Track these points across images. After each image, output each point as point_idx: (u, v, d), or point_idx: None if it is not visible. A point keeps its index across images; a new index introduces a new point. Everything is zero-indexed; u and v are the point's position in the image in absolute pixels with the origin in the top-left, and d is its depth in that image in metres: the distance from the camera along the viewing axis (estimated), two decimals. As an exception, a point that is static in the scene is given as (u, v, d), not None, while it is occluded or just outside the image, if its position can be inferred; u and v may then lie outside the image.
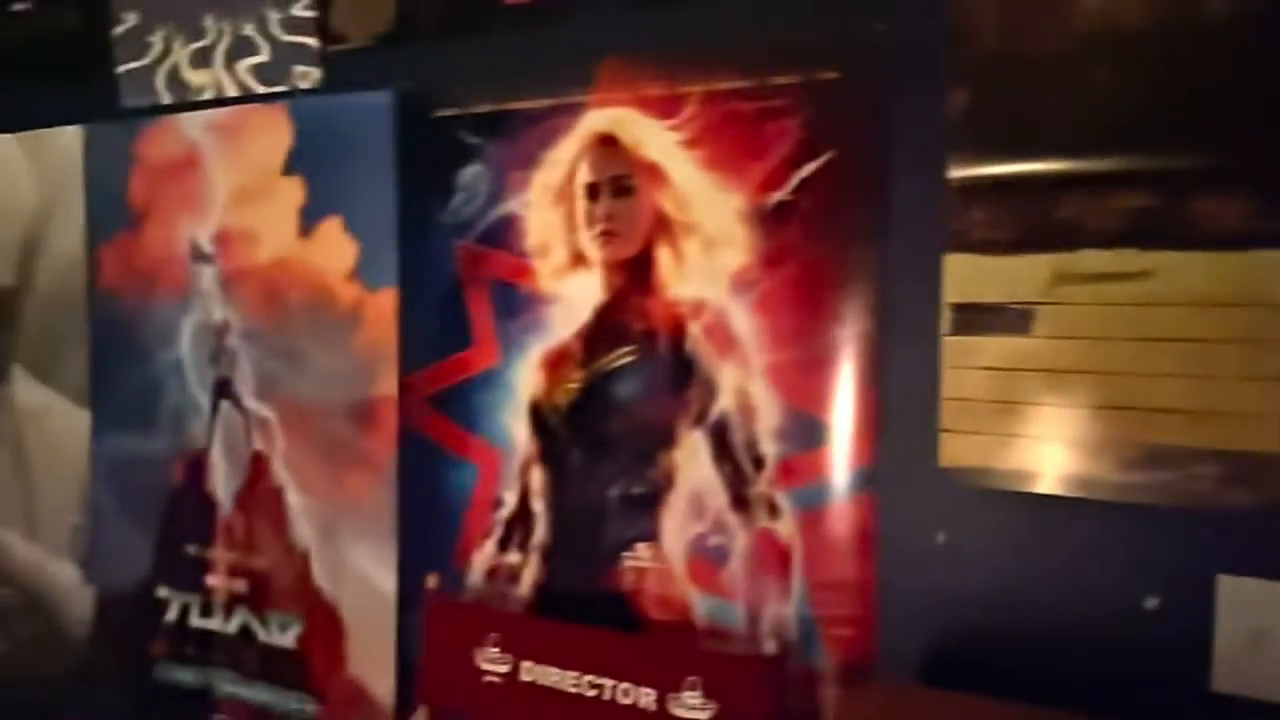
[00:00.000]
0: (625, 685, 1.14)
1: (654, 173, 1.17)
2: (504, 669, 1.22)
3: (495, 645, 1.23)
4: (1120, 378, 0.92)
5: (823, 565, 1.08)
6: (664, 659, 1.12)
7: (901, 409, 1.04)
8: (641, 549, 1.19)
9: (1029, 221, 0.96)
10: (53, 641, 1.72)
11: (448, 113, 1.31)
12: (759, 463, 1.11)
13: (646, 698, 1.12)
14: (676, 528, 1.16)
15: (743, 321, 1.12)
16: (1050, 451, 0.96)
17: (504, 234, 1.28)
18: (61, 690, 1.70)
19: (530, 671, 1.20)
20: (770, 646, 1.08)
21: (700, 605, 1.15)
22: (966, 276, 0.99)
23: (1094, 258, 0.93)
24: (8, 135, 1.72)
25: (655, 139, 1.16)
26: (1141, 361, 0.91)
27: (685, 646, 1.13)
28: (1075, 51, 0.95)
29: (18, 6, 1.71)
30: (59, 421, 1.71)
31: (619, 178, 1.19)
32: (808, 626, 1.09)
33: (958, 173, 1.00)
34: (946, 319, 1.00)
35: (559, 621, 1.21)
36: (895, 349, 1.05)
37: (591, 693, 1.16)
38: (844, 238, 1.07)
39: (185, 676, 1.55)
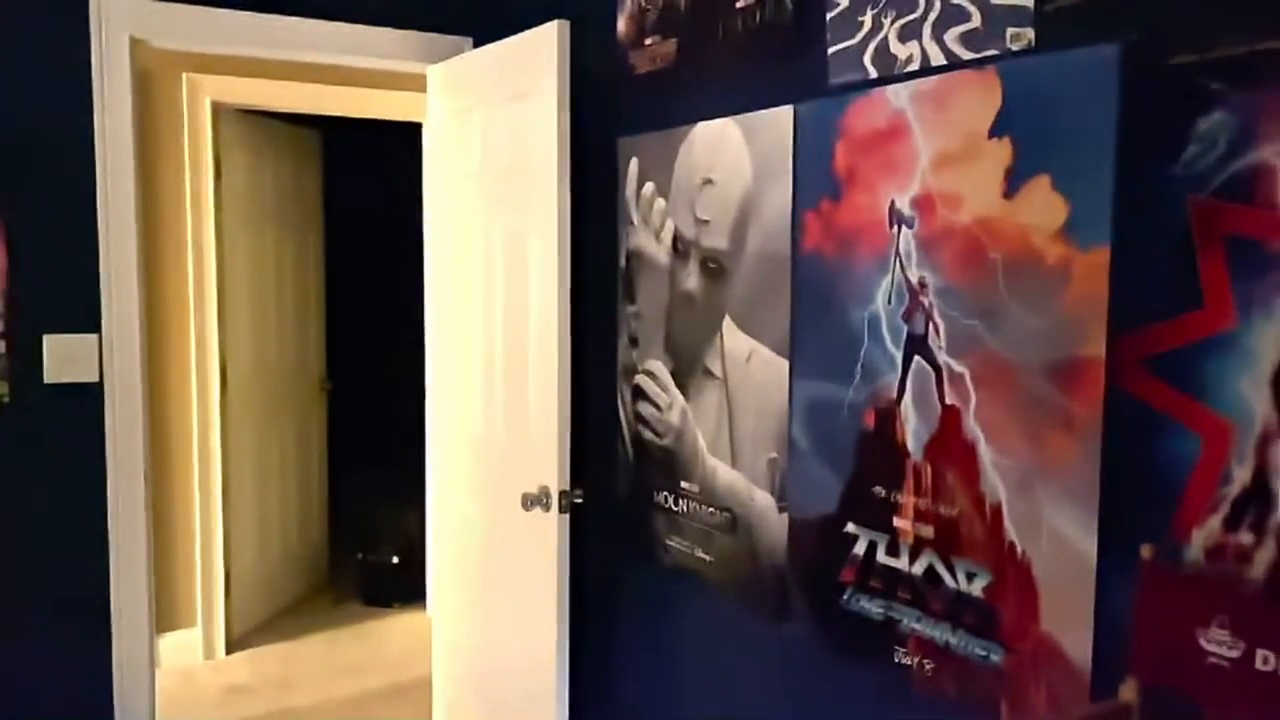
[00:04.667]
0: (1405, 698, 1.00)
1: None
2: (1235, 654, 1.14)
3: (1224, 627, 1.15)
4: None
5: None
6: None
7: None
8: None
9: None
10: (750, 559, 2.00)
11: (1185, 60, 1.23)
12: None
13: None
14: None
15: None
16: None
17: (1250, 186, 1.17)
18: (759, 600, 1.97)
19: (1268, 661, 1.11)
20: None
21: None
22: None
23: None
24: (730, 118, 1.99)
25: None
26: None
27: None
28: None
29: (741, 3, 1.97)
30: (760, 367, 1.96)
31: None
32: None
33: None
34: None
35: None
36: None
37: (1354, 698, 1.04)
38: None
39: (871, 607, 1.70)
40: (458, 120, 2.77)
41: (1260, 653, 1.12)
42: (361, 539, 4.58)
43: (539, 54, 2.31)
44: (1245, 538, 1.17)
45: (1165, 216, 1.26)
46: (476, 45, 2.95)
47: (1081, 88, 1.34)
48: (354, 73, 3.82)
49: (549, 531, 2.34)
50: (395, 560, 4.45)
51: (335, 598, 4.60)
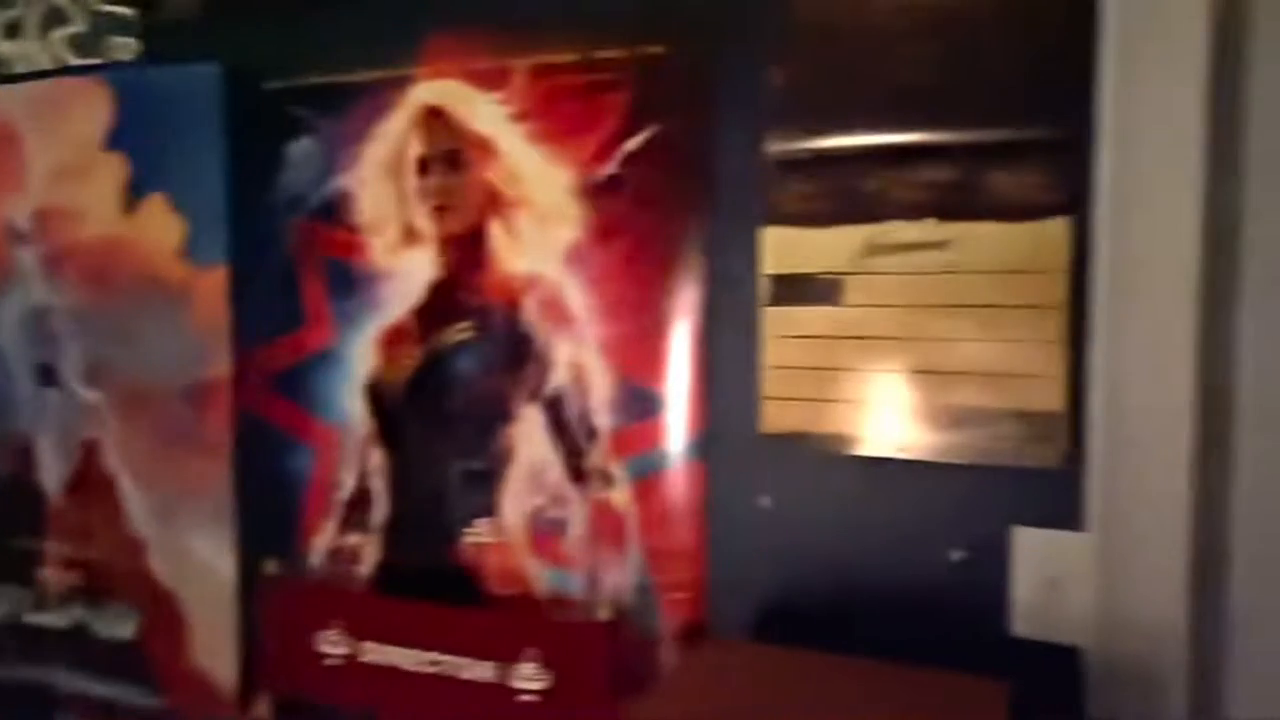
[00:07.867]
0: (465, 660, 1.14)
1: (484, 146, 1.16)
2: (345, 651, 1.21)
3: (336, 628, 1.22)
4: (926, 343, 0.97)
5: (657, 532, 1.10)
6: (503, 632, 1.13)
7: (728, 379, 1.07)
8: (482, 524, 1.19)
9: (840, 195, 0.99)
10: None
11: (278, 85, 1.28)
12: (593, 435, 1.13)
13: (486, 672, 1.13)
14: (516, 502, 1.17)
15: (576, 295, 1.12)
16: (865, 415, 1.00)
17: (337, 210, 1.25)
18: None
19: (372, 652, 1.20)
20: (603, 613, 1.10)
21: (541, 577, 1.16)
22: (783, 249, 1.02)
23: (899, 229, 0.97)
24: None
25: (484, 112, 1.15)
26: (943, 327, 0.95)
27: (523, 619, 1.14)
28: (885, 25, 0.98)
29: None
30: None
31: (450, 151, 1.18)
32: (645, 592, 1.11)
33: (775, 147, 1.02)
34: (765, 290, 1.03)
35: (401, 600, 1.20)
36: (721, 320, 1.07)
37: (432, 670, 1.16)
38: (671, 211, 1.08)
39: (24, 674, 1.49)
40: None
41: (366, 645, 1.20)
42: None
43: None
44: (355, 538, 1.26)
45: (274, 238, 1.29)
46: None
47: (190, 105, 1.32)
48: None
49: None
50: None
51: None
